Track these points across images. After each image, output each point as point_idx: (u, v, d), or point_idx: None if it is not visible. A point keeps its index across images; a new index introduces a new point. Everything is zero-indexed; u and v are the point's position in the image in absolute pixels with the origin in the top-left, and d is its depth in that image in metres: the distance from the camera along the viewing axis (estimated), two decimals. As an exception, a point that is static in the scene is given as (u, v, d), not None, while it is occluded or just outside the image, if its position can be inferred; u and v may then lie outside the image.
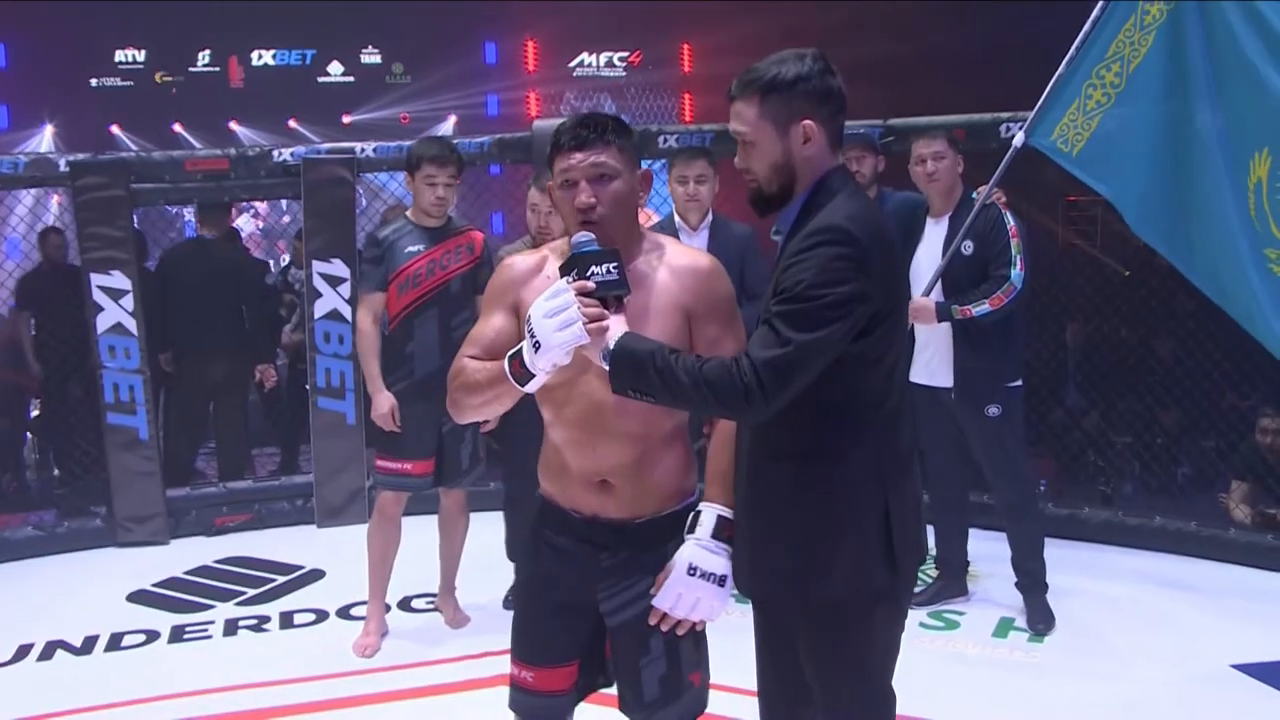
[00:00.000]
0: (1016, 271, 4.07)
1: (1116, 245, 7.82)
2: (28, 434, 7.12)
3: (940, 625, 4.32)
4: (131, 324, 5.49)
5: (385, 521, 4.23)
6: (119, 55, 12.47)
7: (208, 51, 12.69)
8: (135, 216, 5.93)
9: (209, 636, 4.42)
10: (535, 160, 5.55)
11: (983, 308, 4.06)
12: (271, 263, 7.75)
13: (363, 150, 5.83)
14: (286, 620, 4.56)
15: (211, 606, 4.72)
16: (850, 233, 1.98)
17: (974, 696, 3.71)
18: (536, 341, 2.04)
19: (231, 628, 4.50)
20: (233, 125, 12.57)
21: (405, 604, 4.61)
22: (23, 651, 4.29)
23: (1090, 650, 4.08)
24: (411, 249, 4.15)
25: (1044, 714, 3.64)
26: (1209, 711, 3.64)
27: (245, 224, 10.78)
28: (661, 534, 2.31)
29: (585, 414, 2.27)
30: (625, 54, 13.22)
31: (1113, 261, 7.52)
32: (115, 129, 12.14)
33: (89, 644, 4.35)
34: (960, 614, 4.41)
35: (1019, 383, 4.27)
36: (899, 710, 2.24)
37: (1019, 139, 4.06)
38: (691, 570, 2.18)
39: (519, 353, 2.11)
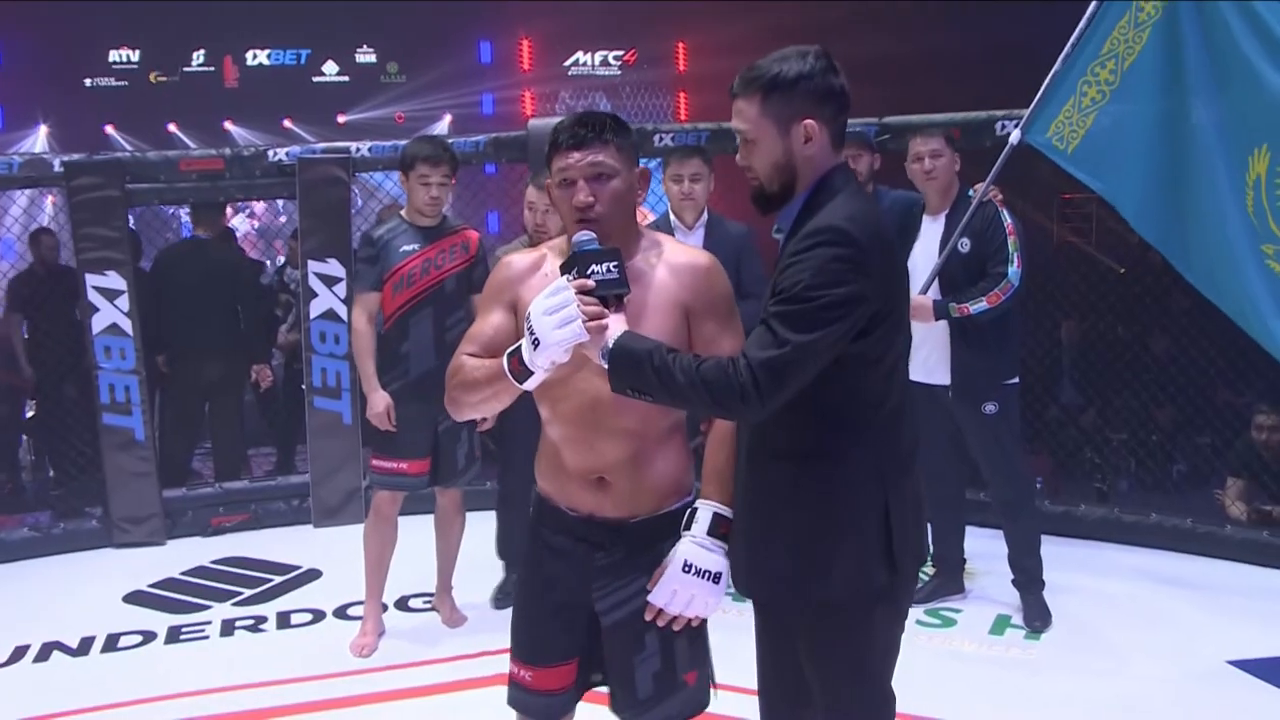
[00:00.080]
0: (1014, 269, 4.08)
1: (1111, 243, 7.84)
2: (23, 435, 7.11)
3: (937, 623, 4.33)
4: (127, 324, 5.48)
5: (381, 521, 4.22)
6: (113, 55, 12.44)
7: (202, 51, 12.65)
8: (131, 217, 5.93)
9: (206, 637, 4.42)
10: (531, 159, 5.55)
11: (980, 305, 4.06)
12: (268, 262, 7.73)
13: (358, 150, 5.82)
14: (283, 620, 4.56)
15: (208, 607, 4.72)
16: (849, 233, 1.98)
17: (971, 694, 3.72)
18: (536, 339, 2.04)
19: (228, 628, 4.49)
20: (227, 125, 12.54)
21: (402, 604, 4.61)
22: (19, 653, 4.28)
23: (1087, 647, 4.09)
24: (406, 248, 4.15)
25: (1041, 711, 3.65)
26: (1206, 708, 3.64)
27: (240, 224, 10.76)
28: (657, 533, 2.31)
29: (582, 411, 2.27)
30: (620, 53, 13.21)
31: (1108, 259, 7.53)
32: (110, 129, 12.12)
33: (85, 645, 4.35)
34: (957, 611, 4.42)
35: (1016, 380, 4.28)
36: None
37: (1015, 136, 4.07)
38: (687, 567, 2.18)
39: (518, 350, 2.11)
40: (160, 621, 4.57)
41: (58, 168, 5.48)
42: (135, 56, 12.53)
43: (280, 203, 8.34)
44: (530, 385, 2.14)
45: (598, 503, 2.32)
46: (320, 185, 5.69)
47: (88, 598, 4.84)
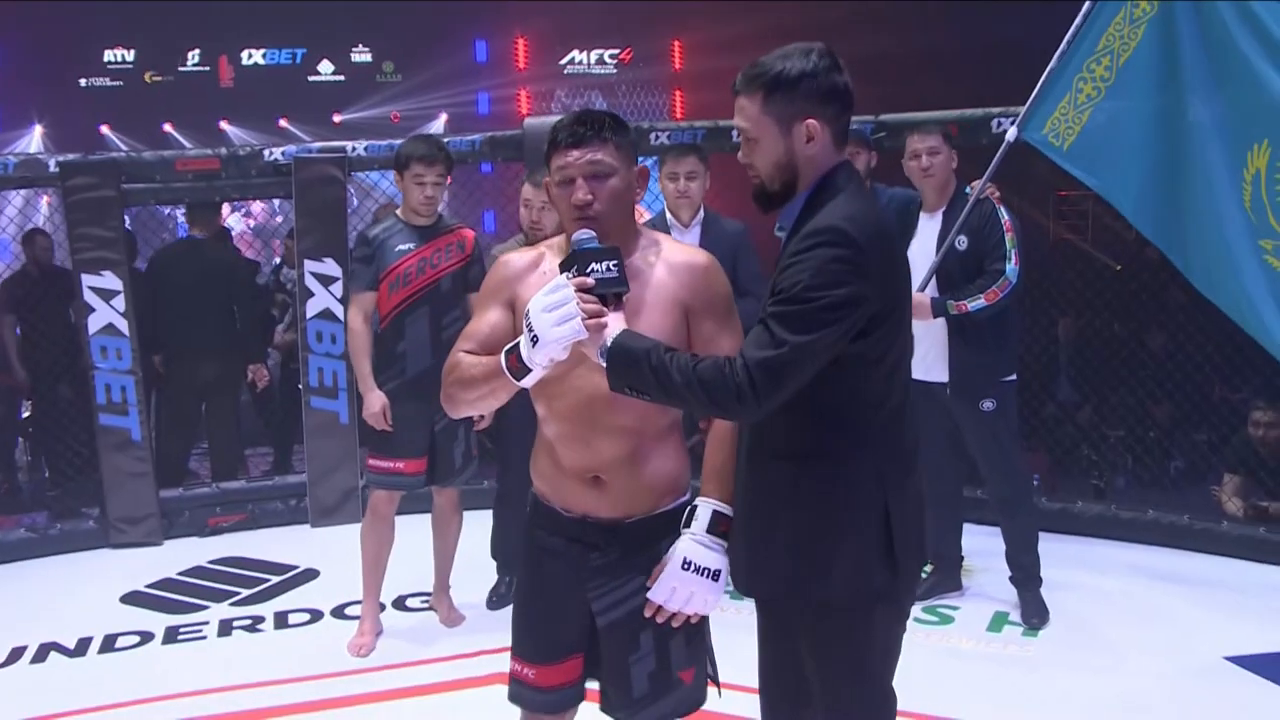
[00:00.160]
0: (1011, 266, 4.08)
1: (1108, 239, 7.84)
2: (19, 437, 7.09)
3: (935, 620, 4.33)
4: (123, 324, 5.48)
5: (378, 521, 4.22)
6: (108, 55, 12.42)
7: (197, 51, 12.64)
8: (128, 217, 5.92)
9: (203, 637, 4.41)
10: (527, 158, 5.55)
11: (978, 303, 4.07)
12: (262, 262, 7.72)
13: (354, 149, 5.81)
14: (281, 620, 4.55)
15: (206, 607, 4.71)
16: (848, 234, 1.97)
17: (968, 691, 3.72)
18: (535, 336, 2.04)
19: (226, 628, 4.49)
20: (223, 125, 12.52)
21: (400, 603, 4.61)
22: (16, 654, 4.28)
23: (1084, 644, 4.09)
24: (402, 247, 4.15)
25: (1039, 708, 3.65)
26: (1203, 704, 3.65)
27: (236, 223, 10.75)
28: (653, 534, 2.31)
29: (578, 408, 2.27)
30: (616, 51, 13.20)
31: (1104, 256, 7.54)
32: (105, 129, 12.10)
33: (83, 646, 4.34)
34: (955, 608, 4.42)
35: (1013, 377, 4.28)
36: (894, 705, 2.24)
37: (1011, 133, 4.08)
38: (686, 565, 2.18)
39: (516, 347, 2.11)
40: (158, 622, 4.56)
41: (53, 168, 5.48)
42: (130, 56, 12.51)
43: (276, 202, 8.33)
44: (528, 383, 2.14)
45: (593, 503, 2.32)
46: (316, 185, 5.69)
47: (85, 598, 4.83)
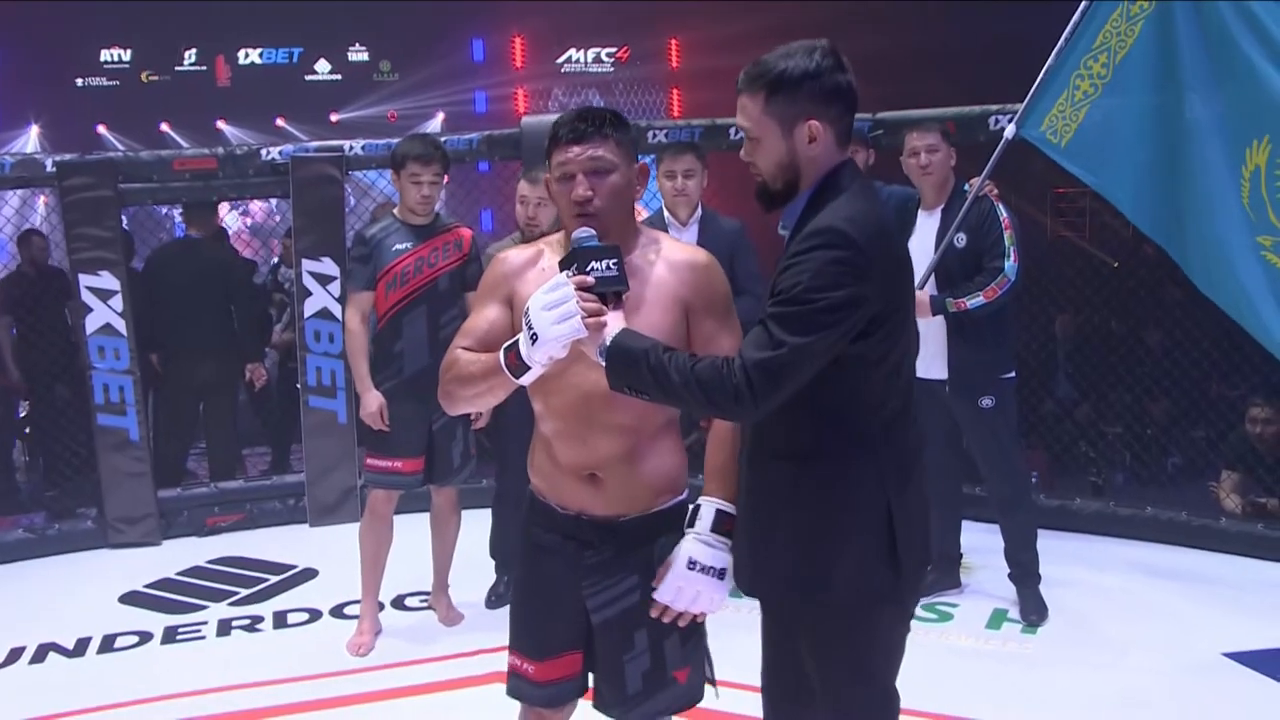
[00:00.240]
0: (1010, 263, 4.08)
1: (1105, 237, 7.85)
2: (16, 438, 7.08)
3: (933, 617, 4.33)
4: (121, 324, 5.47)
5: (377, 520, 4.22)
6: (105, 55, 12.41)
7: (194, 50, 12.63)
8: (125, 217, 5.91)
9: (202, 637, 4.41)
10: (525, 156, 5.54)
11: (977, 300, 4.07)
12: (259, 262, 7.71)
13: (351, 148, 5.81)
14: (280, 620, 4.55)
15: (204, 607, 4.71)
16: (848, 235, 1.96)
17: (967, 688, 3.72)
18: (534, 334, 2.04)
19: (224, 628, 4.49)
20: (220, 124, 12.52)
21: (399, 602, 4.60)
22: (15, 655, 4.28)
23: (1083, 640, 4.10)
24: (399, 247, 4.14)
25: (1038, 705, 3.65)
26: (1201, 700, 3.65)
27: (233, 222, 10.74)
28: (648, 532, 2.32)
29: (575, 405, 2.26)
30: (613, 50, 13.19)
31: (1101, 253, 7.54)
32: (102, 129, 12.09)
33: (81, 646, 4.34)
34: (954, 606, 4.42)
35: (1012, 374, 4.28)
36: (893, 703, 2.24)
37: (1010, 131, 4.08)
38: (691, 564, 2.18)
39: (515, 344, 2.11)
40: (156, 622, 4.56)
41: (50, 168, 5.47)
42: (127, 56, 12.50)
43: (274, 202, 8.33)
44: (527, 380, 2.14)
45: (589, 500, 2.32)
46: (314, 184, 5.68)
47: (83, 598, 4.83)
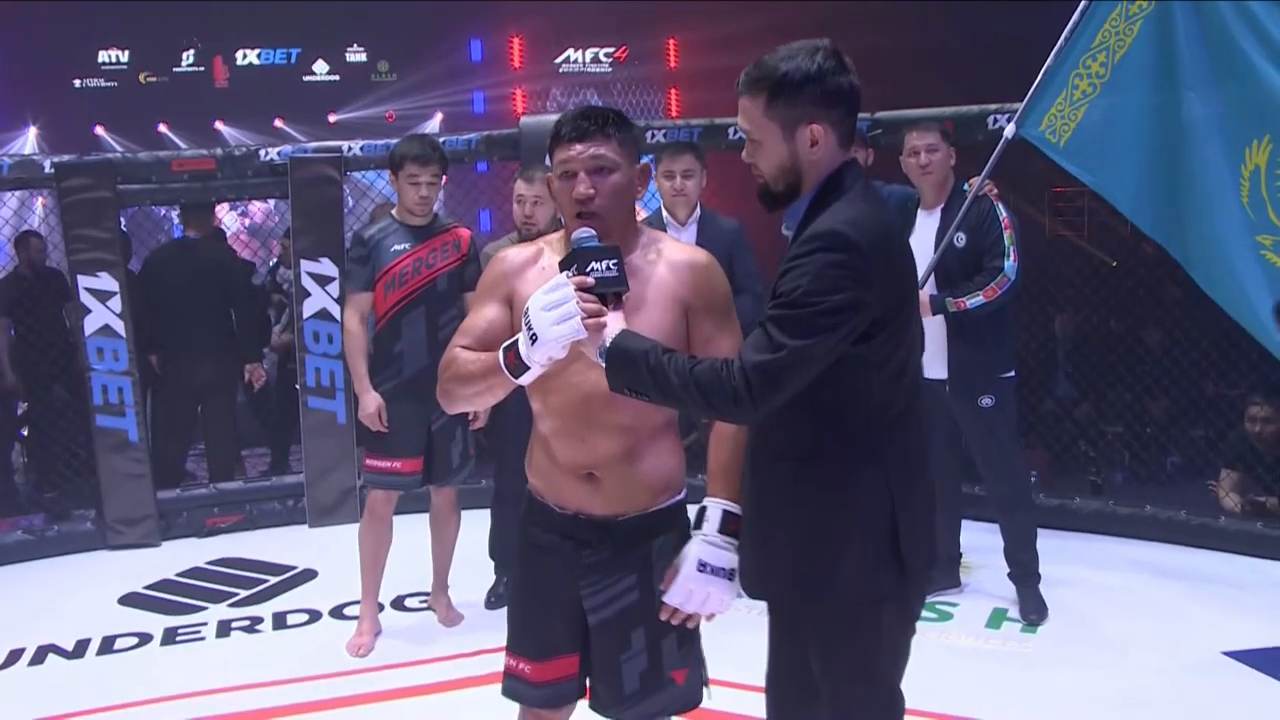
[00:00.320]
0: (1010, 263, 4.08)
1: (1104, 236, 7.85)
2: (15, 443, 7.07)
3: (933, 617, 4.33)
4: (119, 326, 5.47)
5: (376, 521, 4.22)
6: (102, 56, 12.41)
7: (192, 51, 12.63)
8: (122, 219, 5.90)
9: (202, 638, 4.41)
10: (523, 156, 5.54)
11: (977, 300, 4.07)
12: (258, 263, 7.70)
13: (350, 149, 5.80)
14: (279, 621, 4.55)
15: (204, 608, 4.71)
16: (849, 239, 1.95)
17: (967, 687, 3.72)
18: (534, 334, 2.04)
19: (224, 629, 4.48)
20: (218, 125, 12.52)
21: (398, 603, 4.60)
22: (14, 656, 4.27)
23: (1083, 640, 4.10)
24: (397, 248, 4.14)
25: (1038, 704, 3.65)
26: (1201, 699, 3.65)
27: (231, 222, 10.73)
28: (645, 532, 2.31)
29: (574, 405, 2.26)
30: (611, 50, 13.20)
31: (1100, 252, 7.54)
32: (100, 130, 12.08)
33: (81, 648, 4.34)
34: (954, 605, 4.42)
35: (1012, 374, 4.29)
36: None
37: (1009, 130, 4.08)
38: (702, 566, 2.17)
39: (514, 344, 2.10)
40: (156, 623, 4.56)
41: (48, 169, 5.46)
42: (125, 57, 12.50)
43: (272, 203, 8.32)
44: (526, 380, 2.14)
45: (587, 500, 2.31)
46: (312, 185, 5.68)
47: (83, 600, 4.82)
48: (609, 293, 2.06)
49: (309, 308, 5.66)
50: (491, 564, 4.63)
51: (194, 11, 11.57)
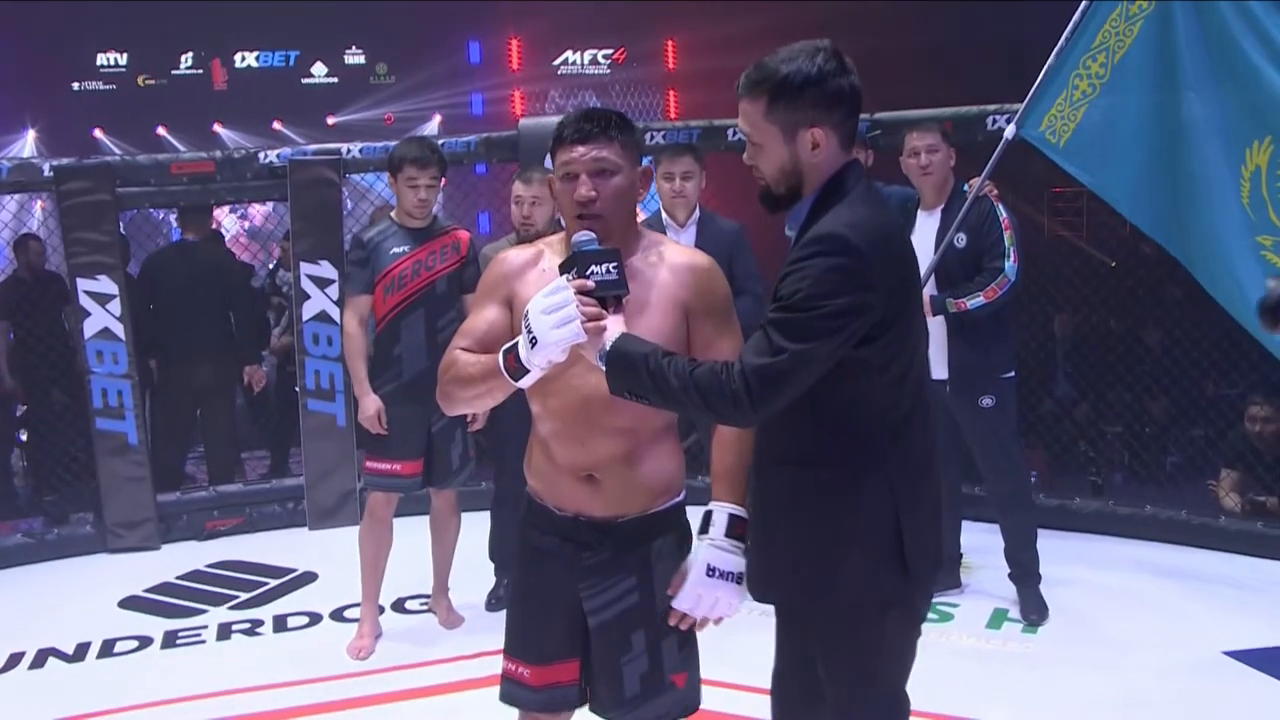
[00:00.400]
0: (1010, 264, 4.08)
1: (1103, 236, 7.85)
2: (15, 445, 7.06)
3: (934, 617, 4.32)
4: (119, 329, 5.47)
5: (376, 523, 4.21)
6: (101, 59, 12.41)
7: (190, 54, 12.63)
8: (120, 222, 5.90)
9: (202, 641, 4.41)
10: (522, 158, 5.54)
11: (977, 300, 4.07)
12: (258, 265, 7.70)
13: (349, 151, 5.80)
14: (280, 623, 4.55)
15: (204, 611, 4.70)
16: (850, 242, 1.94)
17: (968, 688, 3.72)
18: (533, 338, 2.03)
19: (225, 632, 4.48)
20: (216, 128, 12.51)
21: (399, 605, 4.60)
22: (14, 660, 4.27)
23: (1084, 640, 4.10)
24: (396, 250, 4.14)
25: (1038, 704, 3.65)
26: (1202, 699, 3.65)
27: (231, 225, 10.73)
28: (645, 533, 2.31)
29: (574, 407, 2.25)
30: (609, 51, 13.20)
31: (1099, 252, 7.54)
32: (98, 133, 12.07)
33: (81, 651, 4.33)
34: (954, 606, 4.42)
35: (1012, 374, 4.29)
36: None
37: (1010, 131, 4.09)
38: (710, 571, 2.17)
39: (514, 347, 2.10)
40: (156, 626, 4.55)
41: (47, 172, 5.46)
42: (123, 60, 12.49)
43: (270, 205, 8.31)
44: (525, 383, 2.13)
45: (586, 501, 2.30)
46: (312, 187, 5.68)
47: (83, 603, 4.82)
48: (609, 296, 2.05)
49: (308, 310, 5.66)
50: (492, 566, 4.63)
51: (192, 15, 11.55)
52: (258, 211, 10.20)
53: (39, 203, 8.50)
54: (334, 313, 5.57)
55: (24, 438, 6.80)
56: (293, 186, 5.67)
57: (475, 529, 4.57)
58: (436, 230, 4.22)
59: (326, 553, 5.25)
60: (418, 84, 12.63)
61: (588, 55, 13.20)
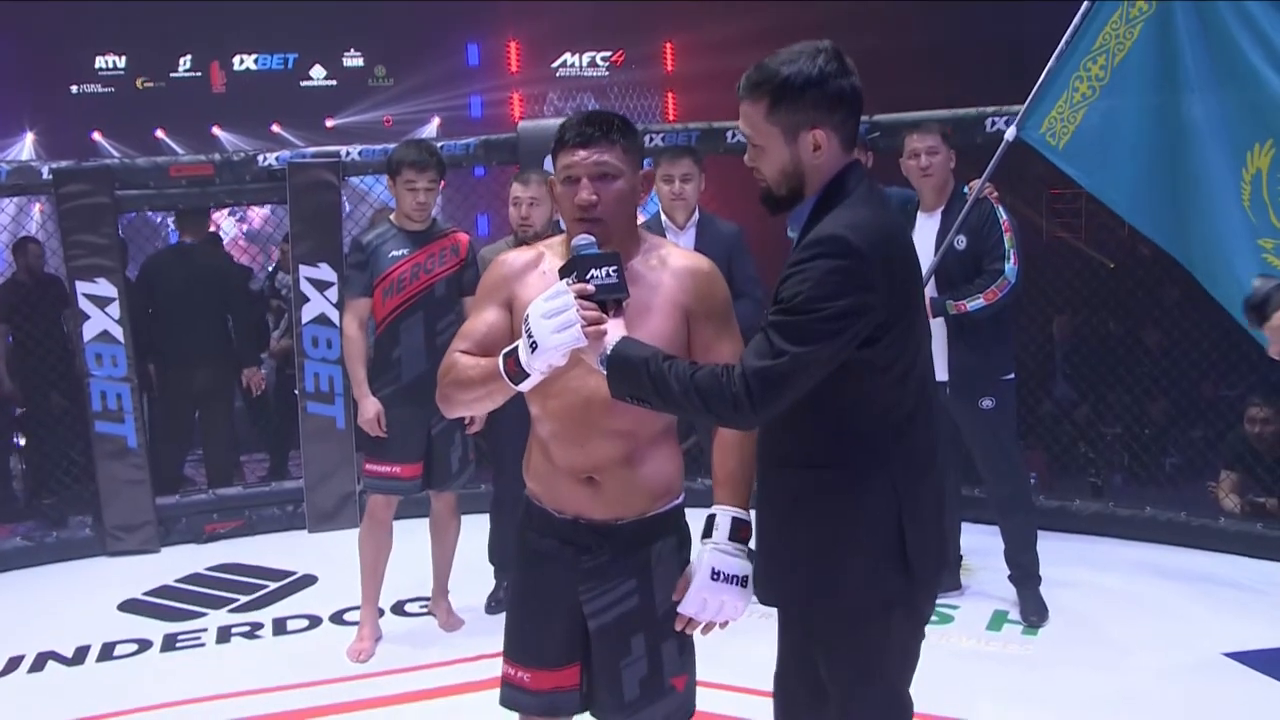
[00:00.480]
0: (1010, 266, 4.09)
1: (1102, 237, 7.85)
2: (14, 448, 7.06)
3: (934, 619, 4.27)
4: (118, 331, 5.46)
5: (376, 526, 4.21)
6: (100, 61, 12.42)
7: (189, 57, 12.63)
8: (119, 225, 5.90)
9: (202, 644, 4.40)
10: (522, 160, 5.54)
11: (977, 302, 4.07)
12: (258, 268, 7.70)
13: (348, 154, 5.80)
14: (279, 626, 4.54)
15: (204, 614, 4.70)
16: (850, 243, 1.94)
17: (969, 689, 3.72)
18: (534, 342, 2.03)
19: (224, 635, 4.48)
20: (215, 131, 12.50)
21: (398, 608, 4.60)
22: (14, 663, 4.27)
23: (1084, 641, 4.10)
24: (395, 253, 4.14)
25: (1039, 705, 3.65)
26: (1202, 700, 3.65)
27: (230, 228, 10.72)
28: (644, 536, 2.31)
29: (573, 410, 2.25)
30: (608, 54, 13.20)
31: (1098, 254, 7.54)
32: (97, 135, 12.08)
33: (81, 654, 4.33)
34: (954, 608, 4.42)
35: (1012, 375, 4.29)
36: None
37: (1010, 133, 4.09)
38: (715, 575, 2.17)
39: (514, 351, 2.09)
40: (156, 629, 4.55)
41: (46, 175, 5.46)
42: (122, 63, 12.50)
43: (268, 208, 8.32)
44: (525, 387, 2.13)
45: (586, 504, 2.30)
46: (311, 190, 5.67)
47: (82, 607, 4.82)
48: (609, 300, 2.05)
49: (308, 313, 5.66)
50: (491, 569, 4.63)
51: (191, 17, 11.56)
52: (256, 214, 10.20)
53: (37, 205, 8.48)
54: (333, 315, 5.56)
55: (21, 442, 6.79)
56: (292, 189, 5.67)
57: (475, 531, 4.57)
58: (435, 233, 4.22)
59: (326, 555, 5.25)
60: (416, 86, 12.64)
61: (586, 57, 13.21)
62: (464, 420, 4.16)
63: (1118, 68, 3.86)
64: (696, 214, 4.52)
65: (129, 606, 4.82)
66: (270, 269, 7.68)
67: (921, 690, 2.22)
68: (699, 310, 2.27)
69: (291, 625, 4.55)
